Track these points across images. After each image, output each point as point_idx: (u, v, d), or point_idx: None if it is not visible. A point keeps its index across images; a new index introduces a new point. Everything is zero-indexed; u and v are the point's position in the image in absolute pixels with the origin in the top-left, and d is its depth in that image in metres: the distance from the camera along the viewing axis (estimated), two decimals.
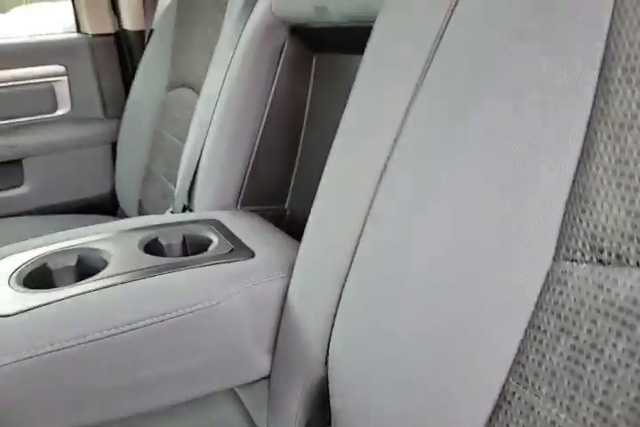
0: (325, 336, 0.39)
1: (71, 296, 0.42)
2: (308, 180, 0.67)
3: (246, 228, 0.57)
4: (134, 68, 1.14)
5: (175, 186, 0.87)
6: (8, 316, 0.40)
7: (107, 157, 1.18)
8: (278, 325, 0.46)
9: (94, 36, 1.16)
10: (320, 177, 0.64)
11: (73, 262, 0.50)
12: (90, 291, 0.43)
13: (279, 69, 0.65)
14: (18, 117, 1.12)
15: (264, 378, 0.48)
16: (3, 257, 0.51)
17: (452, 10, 0.34)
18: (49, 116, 1.15)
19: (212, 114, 0.68)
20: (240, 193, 0.66)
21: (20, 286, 0.45)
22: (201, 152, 0.68)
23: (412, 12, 0.38)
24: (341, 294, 0.37)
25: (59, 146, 1.13)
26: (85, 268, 0.50)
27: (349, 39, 0.58)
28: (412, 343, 0.31)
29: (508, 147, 0.28)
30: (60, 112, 1.16)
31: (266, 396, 0.48)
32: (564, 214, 0.25)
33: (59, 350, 0.38)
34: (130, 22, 1.16)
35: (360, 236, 0.37)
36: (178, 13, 1.02)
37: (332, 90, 0.64)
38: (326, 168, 0.44)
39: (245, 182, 0.66)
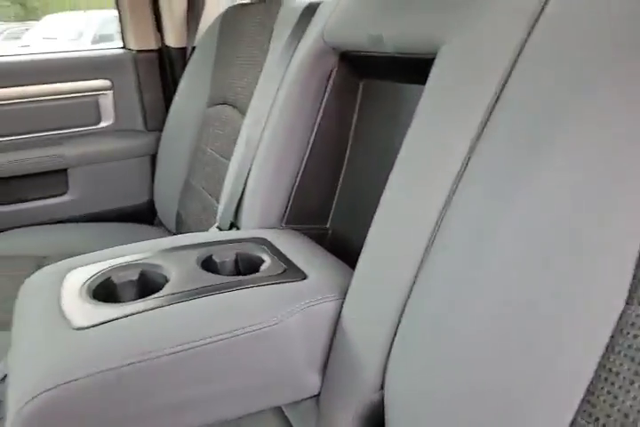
0: (381, 362, 0.40)
1: (142, 311, 0.45)
2: (350, 201, 0.69)
3: (295, 248, 0.59)
4: (175, 84, 1.19)
5: (216, 200, 0.90)
6: (84, 329, 0.43)
7: (146, 168, 1.22)
8: (330, 345, 0.48)
9: (138, 51, 1.21)
10: (362, 198, 0.67)
11: (135, 277, 0.53)
12: (158, 307, 0.46)
13: (326, 94, 0.68)
14: (64, 129, 1.17)
15: (312, 396, 0.50)
16: (69, 269, 0.54)
17: (523, 45, 0.35)
18: (93, 127, 1.20)
19: (260, 136, 0.71)
20: (285, 212, 0.69)
21: (90, 298, 0.48)
22: (248, 172, 0.71)
23: (481, 46, 0.39)
24: (399, 321, 0.39)
25: (101, 156, 1.18)
26: (147, 283, 0.53)
27: (399, 68, 0.60)
28: (476, 379, 0.31)
29: (583, 191, 0.28)
30: (103, 124, 1.21)
31: (313, 414, 0.50)
32: (639, 259, 0.26)
33: (132, 364, 0.41)
34: (173, 39, 1.20)
35: (420, 265, 0.38)
36: (220, 32, 1.06)
37: (377, 116, 0.66)
38: (384, 196, 0.45)
39: (290, 202, 0.69)
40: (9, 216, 1.11)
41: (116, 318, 0.44)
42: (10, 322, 0.78)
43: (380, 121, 0.65)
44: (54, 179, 1.15)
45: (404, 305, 0.39)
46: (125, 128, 1.22)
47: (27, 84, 1.13)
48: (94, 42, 5.56)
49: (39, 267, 0.94)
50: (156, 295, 0.48)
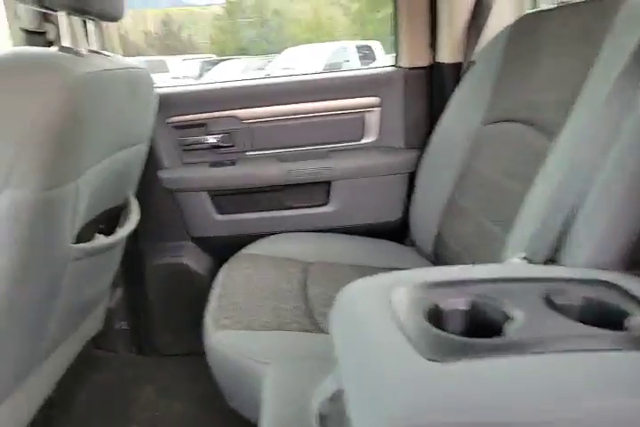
0: None
1: (501, 354, 0.38)
2: None
3: None
4: (442, 101, 1.14)
5: (497, 225, 0.81)
6: (438, 361, 0.38)
7: (403, 185, 1.20)
8: None
9: (410, 69, 1.21)
10: None
11: (466, 307, 0.46)
12: (519, 353, 0.38)
13: None
14: (331, 143, 1.24)
15: None
16: (391, 286, 0.50)
17: None
18: (356, 143, 1.24)
19: (594, 160, 0.59)
20: (628, 252, 0.55)
21: (425, 322, 0.43)
22: (572, 200, 0.60)
23: None
24: None
25: (362, 171, 1.20)
26: (477, 315, 0.46)
27: None
28: None
29: None
30: (365, 140, 1.24)
31: None
32: None
33: (503, 422, 0.33)
34: (447, 55, 1.17)
35: None
36: (509, 44, 0.97)
37: None
38: None
39: (637, 240, 0.55)
40: (278, 221, 1.21)
41: (474, 356, 0.38)
42: (302, 322, 0.81)
43: None
44: (319, 190, 1.21)
45: None
46: (386, 145, 1.23)
47: (305, 102, 1.22)
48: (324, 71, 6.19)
49: (305, 271, 0.99)
50: (510, 338, 0.40)
